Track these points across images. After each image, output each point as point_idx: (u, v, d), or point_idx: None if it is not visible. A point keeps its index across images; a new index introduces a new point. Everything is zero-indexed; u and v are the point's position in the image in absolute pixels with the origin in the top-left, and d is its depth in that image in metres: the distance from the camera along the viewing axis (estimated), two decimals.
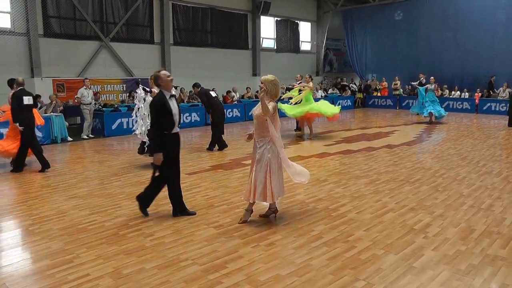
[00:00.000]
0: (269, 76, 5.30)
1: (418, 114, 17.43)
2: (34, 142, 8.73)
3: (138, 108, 8.79)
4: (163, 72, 5.61)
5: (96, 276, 4.07)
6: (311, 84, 12.87)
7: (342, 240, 4.94)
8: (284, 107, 12.79)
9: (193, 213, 5.84)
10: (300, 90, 12.53)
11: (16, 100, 8.43)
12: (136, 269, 4.23)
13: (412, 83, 19.17)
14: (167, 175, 5.68)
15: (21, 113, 8.44)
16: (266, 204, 5.74)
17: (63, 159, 9.78)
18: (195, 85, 11.13)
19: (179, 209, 5.82)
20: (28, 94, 8.63)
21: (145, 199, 5.82)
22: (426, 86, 16.67)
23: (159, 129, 5.47)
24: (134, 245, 4.83)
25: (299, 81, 14.44)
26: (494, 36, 20.70)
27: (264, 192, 5.28)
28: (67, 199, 6.72)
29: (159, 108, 5.43)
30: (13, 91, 8.68)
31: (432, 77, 16.84)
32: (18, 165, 8.68)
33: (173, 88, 8.55)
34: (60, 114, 12.99)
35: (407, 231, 5.21)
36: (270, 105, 5.16)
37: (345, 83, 25.95)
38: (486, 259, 4.41)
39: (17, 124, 8.42)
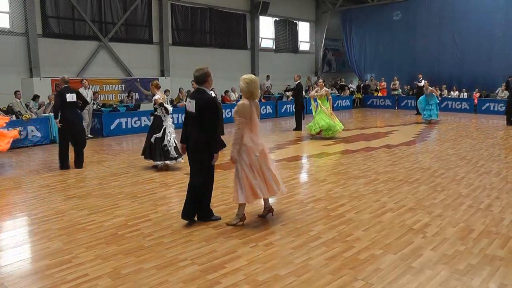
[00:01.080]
0: (247, 75, 5.33)
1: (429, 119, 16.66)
2: (70, 140, 8.95)
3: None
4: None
5: (95, 276, 4.07)
6: (323, 90, 12.83)
7: (341, 240, 4.95)
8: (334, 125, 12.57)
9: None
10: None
11: (59, 98, 8.72)
12: (135, 269, 4.23)
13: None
14: (211, 176, 5.59)
15: (63, 110, 8.73)
16: (261, 204, 5.74)
17: None
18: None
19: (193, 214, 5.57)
20: (72, 91, 8.89)
21: (203, 212, 5.59)
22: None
23: (213, 129, 5.38)
24: (133, 245, 4.83)
25: (297, 81, 14.50)
26: (493, 37, 20.74)
27: (241, 192, 5.26)
28: (66, 199, 6.72)
29: (215, 108, 5.31)
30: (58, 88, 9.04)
31: (425, 81, 17.24)
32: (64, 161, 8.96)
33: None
34: None
35: (406, 231, 5.22)
36: (240, 102, 5.25)
37: (344, 83, 25.96)
38: (485, 259, 4.41)
39: (57, 120, 8.78)
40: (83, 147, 9.12)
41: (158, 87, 8.80)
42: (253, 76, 5.34)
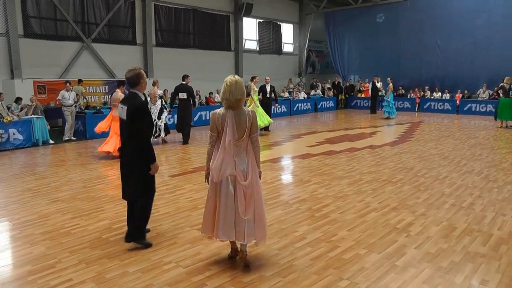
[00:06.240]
0: (229, 76, 4.19)
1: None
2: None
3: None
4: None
5: (79, 281, 4.03)
6: (251, 85, 13.95)
7: (326, 240, 4.98)
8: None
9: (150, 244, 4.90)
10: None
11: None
12: (119, 273, 4.19)
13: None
14: (153, 187, 4.97)
15: None
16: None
17: (45, 162, 9.64)
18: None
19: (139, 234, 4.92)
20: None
21: (140, 232, 4.90)
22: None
23: (148, 137, 4.77)
24: (117, 248, 4.79)
25: (268, 83, 14.68)
26: (475, 38, 20.97)
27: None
28: (49, 203, 6.63)
29: (148, 113, 4.72)
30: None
31: (388, 78, 19.11)
32: None
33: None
34: (41, 116, 12.79)
35: (390, 230, 5.27)
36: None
37: (328, 84, 26.09)
38: (467, 256, 4.49)
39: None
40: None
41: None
42: (235, 77, 4.14)
